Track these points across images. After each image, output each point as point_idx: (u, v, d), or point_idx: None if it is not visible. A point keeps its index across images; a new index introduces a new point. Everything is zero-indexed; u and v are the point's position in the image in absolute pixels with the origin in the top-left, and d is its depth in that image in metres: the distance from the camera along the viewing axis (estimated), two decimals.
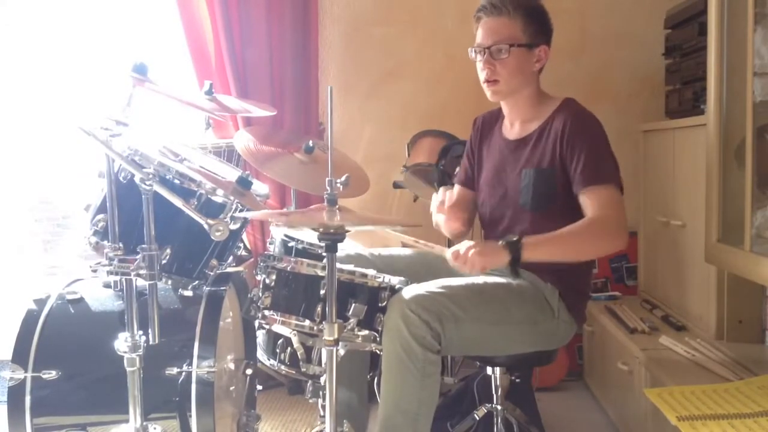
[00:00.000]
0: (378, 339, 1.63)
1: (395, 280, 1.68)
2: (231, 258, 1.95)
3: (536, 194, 1.76)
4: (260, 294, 1.70)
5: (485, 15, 1.78)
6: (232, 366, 1.98)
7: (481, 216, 1.95)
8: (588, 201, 1.69)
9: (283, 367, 1.80)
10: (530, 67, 1.79)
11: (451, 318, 1.62)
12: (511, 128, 1.89)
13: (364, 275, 1.67)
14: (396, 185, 2.66)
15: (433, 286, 1.67)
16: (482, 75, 1.80)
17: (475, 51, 1.80)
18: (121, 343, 1.59)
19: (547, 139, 1.77)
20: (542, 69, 1.83)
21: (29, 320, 1.76)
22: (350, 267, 1.72)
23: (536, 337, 1.74)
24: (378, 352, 1.66)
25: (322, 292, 1.62)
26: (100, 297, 1.87)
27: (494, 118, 1.97)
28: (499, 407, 1.85)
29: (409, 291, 1.64)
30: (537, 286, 1.76)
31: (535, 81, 1.83)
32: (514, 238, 1.60)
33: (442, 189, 1.90)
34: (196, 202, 1.67)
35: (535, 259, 1.62)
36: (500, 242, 1.61)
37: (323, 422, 1.53)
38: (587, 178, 1.68)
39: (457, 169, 2.10)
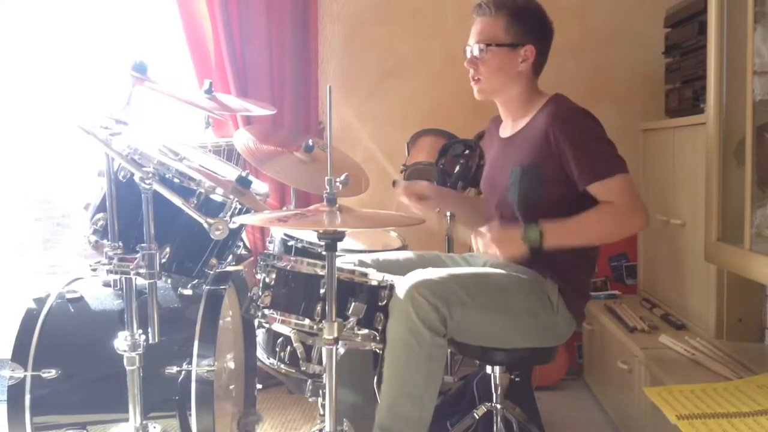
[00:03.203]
0: (377, 338, 1.63)
1: (395, 279, 1.68)
2: (231, 257, 1.95)
3: (522, 191, 1.77)
4: (260, 293, 1.70)
5: (475, 15, 1.83)
6: (231, 365, 1.98)
7: (484, 214, 1.97)
8: (599, 193, 1.70)
9: (282, 366, 1.80)
10: (513, 67, 1.80)
11: (458, 302, 1.63)
12: (505, 127, 1.93)
13: (364, 274, 1.66)
14: (396, 184, 2.65)
15: (440, 272, 1.68)
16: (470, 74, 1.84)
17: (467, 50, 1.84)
18: (121, 342, 1.59)
19: (534, 135, 1.78)
20: (538, 69, 1.83)
21: (29, 319, 1.76)
22: (350, 266, 1.72)
23: (536, 331, 1.75)
24: (378, 351, 1.66)
25: (321, 291, 1.62)
26: (100, 296, 1.87)
27: (500, 119, 2.00)
28: (498, 406, 1.85)
29: (417, 275, 1.64)
30: (537, 281, 1.77)
31: (524, 81, 1.83)
32: (534, 231, 1.63)
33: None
34: (195, 201, 1.66)
35: (558, 246, 1.65)
36: (520, 233, 1.64)
37: (323, 421, 1.53)
38: (589, 174, 1.69)
39: (457, 168, 2.12)
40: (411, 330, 1.59)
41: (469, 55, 1.82)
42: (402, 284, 1.64)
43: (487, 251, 1.66)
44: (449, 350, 2.10)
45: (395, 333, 1.61)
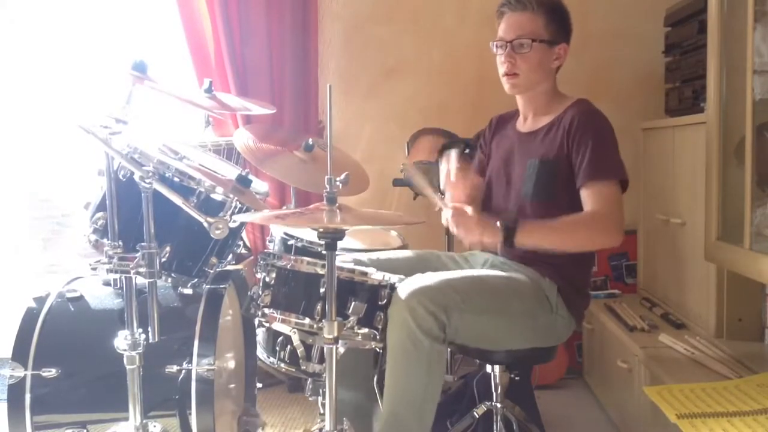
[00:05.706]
0: (377, 337, 1.63)
1: (395, 278, 1.68)
2: (231, 256, 1.95)
3: (538, 185, 1.79)
4: (260, 292, 1.70)
5: (509, 10, 1.82)
6: (231, 364, 1.98)
7: (485, 206, 1.97)
8: (588, 195, 1.71)
9: (282, 365, 1.80)
10: (549, 63, 1.83)
11: (455, 308, 1.63)
12: (525, 121, 1.93)
13: (364, 273, 1.66)
14: (396, 183, 2.66)
15: (437, 277, 1.68)
16: (502, 68, 1.83)
17: (496, 45, 1.83)
18: (121, 341, 1.59)
19: (556, 132, 1.80)
20: (560, 68, 1.86)
21: (29, 318, 1.76)
22: (350, 265, 1.72)
23: (534, 332, 1.75)
24: (378, 350, 1.66)
25: (321, 290, 1.62)
26: (100, 295, 1.87)
27: (510, 115, 2.01)
28: (498, 405, 1.85)
29: (414, 282, 1.64)
30: (536, 281, 1.77)
31: (552, 78, 1.87)
32: (511, 221, 1.64)
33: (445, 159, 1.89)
34: (195, 200, 1.66)
35: (528, 245, 1.66)
36: (498, 222, 1.64)
37: (323, 420, 1.53)
38: (589, 173, 1.71)
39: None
40: (411, 338, 1.59)
41: (506, 49, 1.80)
42: (399, 292, 1.63)
43: (458, 225, 1.66)
44: (449, 349, 2.10)
45: (394, 341, 1.61)
